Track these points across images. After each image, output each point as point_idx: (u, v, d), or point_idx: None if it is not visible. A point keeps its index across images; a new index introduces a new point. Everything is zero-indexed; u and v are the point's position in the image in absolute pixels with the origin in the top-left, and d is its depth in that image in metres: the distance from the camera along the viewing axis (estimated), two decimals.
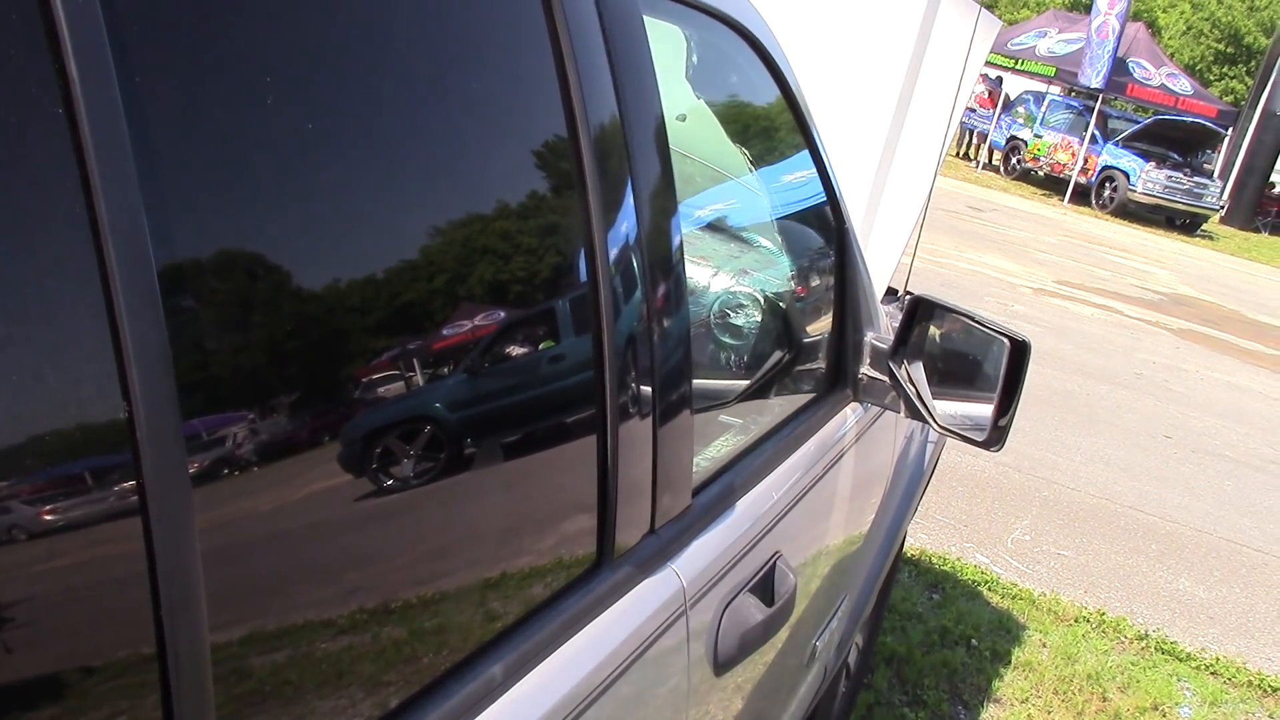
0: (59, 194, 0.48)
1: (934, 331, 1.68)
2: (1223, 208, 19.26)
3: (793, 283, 1.84)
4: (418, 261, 0.73)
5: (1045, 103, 19.31)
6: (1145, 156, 17.33)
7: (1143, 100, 19.47)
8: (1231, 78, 28.61)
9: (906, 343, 1.66)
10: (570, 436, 0.94)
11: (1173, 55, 25.39)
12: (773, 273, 1.83)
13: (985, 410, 1.62)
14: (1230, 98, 26.04)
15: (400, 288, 0.71)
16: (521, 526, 0.89)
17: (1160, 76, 18.76)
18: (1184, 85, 19.03)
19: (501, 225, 0.83)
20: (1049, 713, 3.05)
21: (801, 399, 1.67)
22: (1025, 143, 19.00)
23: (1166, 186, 17.12)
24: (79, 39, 0.48)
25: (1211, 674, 3.46)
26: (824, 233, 1.75)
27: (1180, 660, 3.49)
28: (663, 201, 1.05)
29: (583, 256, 0.92)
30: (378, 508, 0.71)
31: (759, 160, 1.86)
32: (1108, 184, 17.67)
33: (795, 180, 1.73)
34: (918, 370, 1.65)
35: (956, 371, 1.69)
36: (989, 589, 3.66)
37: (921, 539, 3.91)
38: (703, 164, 1.94)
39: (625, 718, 0.99)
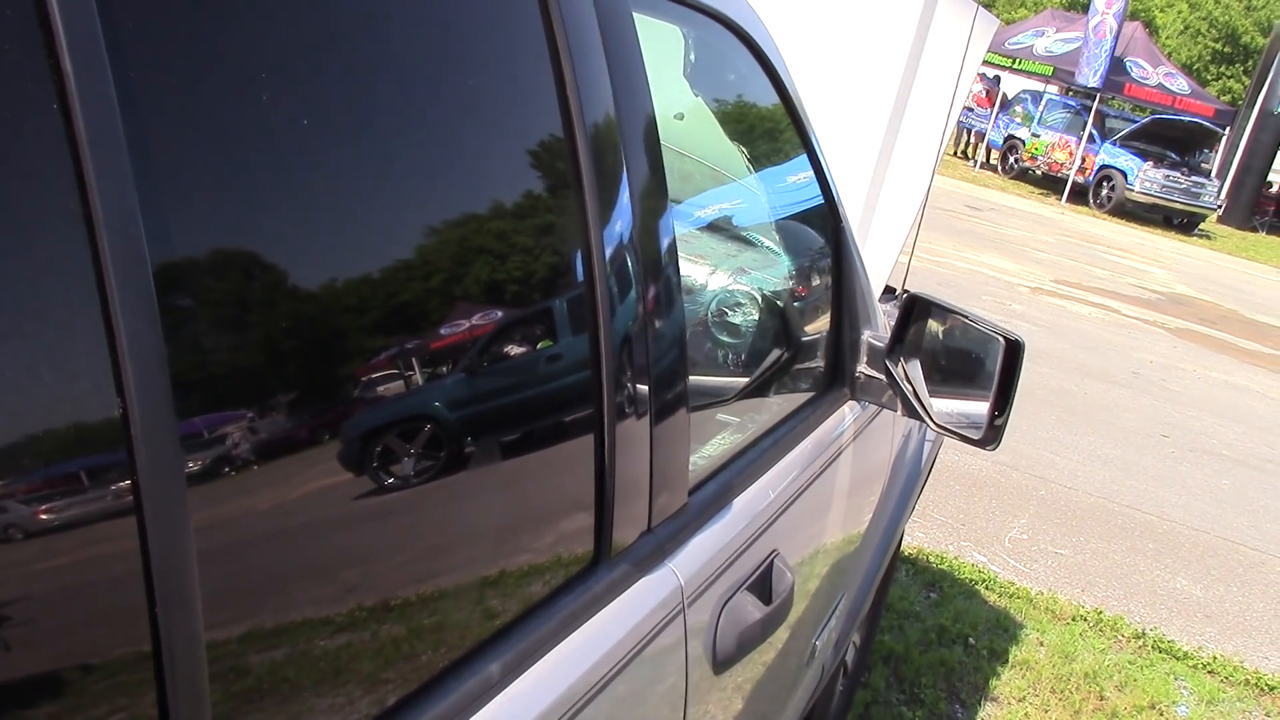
0: (54, 191, 0.48)
1: (931, 330, 1.68)
2: (1220, 207, 19.28)
3: (790, 281, 1.84)
4: (413, 259, 0.73)
5: (1043, 102, 19.33)
6: (1143, 156, 17.35)
7: (1140, 99, 19.49)
8: (1229, 77, 28.65)
9: (903, 341, 1.66)
10: (567, 435, 0.94)
11: (1170, 54, 25.42)
12: (770, 271, 1.83)
13: (981, 409, 1.62)
14: (1227, 97, 26.07)
15: (396, 286, 0.71)
16: (518, 525, 0.89)
17: (1158, 76, 18.78)
18: (1181, 84, 19.05)
19: (497, 224, 0.83)
20: (1046, 711, 3.05)
21: (799, 397, 1.67)
22: (1023, 142, 19.02)
23: (1164, 186, 17.13)
24: (74, 34, 0.48)
25: (1208, 672, 3.46)
26: (821, 231, 1.75)
27: (1177, 659, 3.49)
28: (658, 200, 1.05)
29: (579, 255, 0.92)
30: (374, 506, 0.71)
31: (756, 159, 1.86)
32: (1105, 183, 17.69)
33: (792, 179, 1.73)
34: (914, 369, 1.65)
35: (953, 370, 1.69)
36: (986, 588, 3.66)
37: (919, 537, 3.91)
38: (700, 162, 1.94)
39: (623, 716, 0.99)
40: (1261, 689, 3.45)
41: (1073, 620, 3.58)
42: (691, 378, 1.13)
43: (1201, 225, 18.59)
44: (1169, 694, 3.26)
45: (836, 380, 1.72)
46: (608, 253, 0.94)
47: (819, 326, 1.73)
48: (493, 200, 0.83)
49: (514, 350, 0.85)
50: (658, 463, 1.05)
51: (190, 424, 0.55)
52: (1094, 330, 8.64)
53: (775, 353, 1.72)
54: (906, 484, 2.28)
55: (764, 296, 1.76)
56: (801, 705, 1.78)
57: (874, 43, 2.95)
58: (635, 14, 1.02)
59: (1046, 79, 19.51)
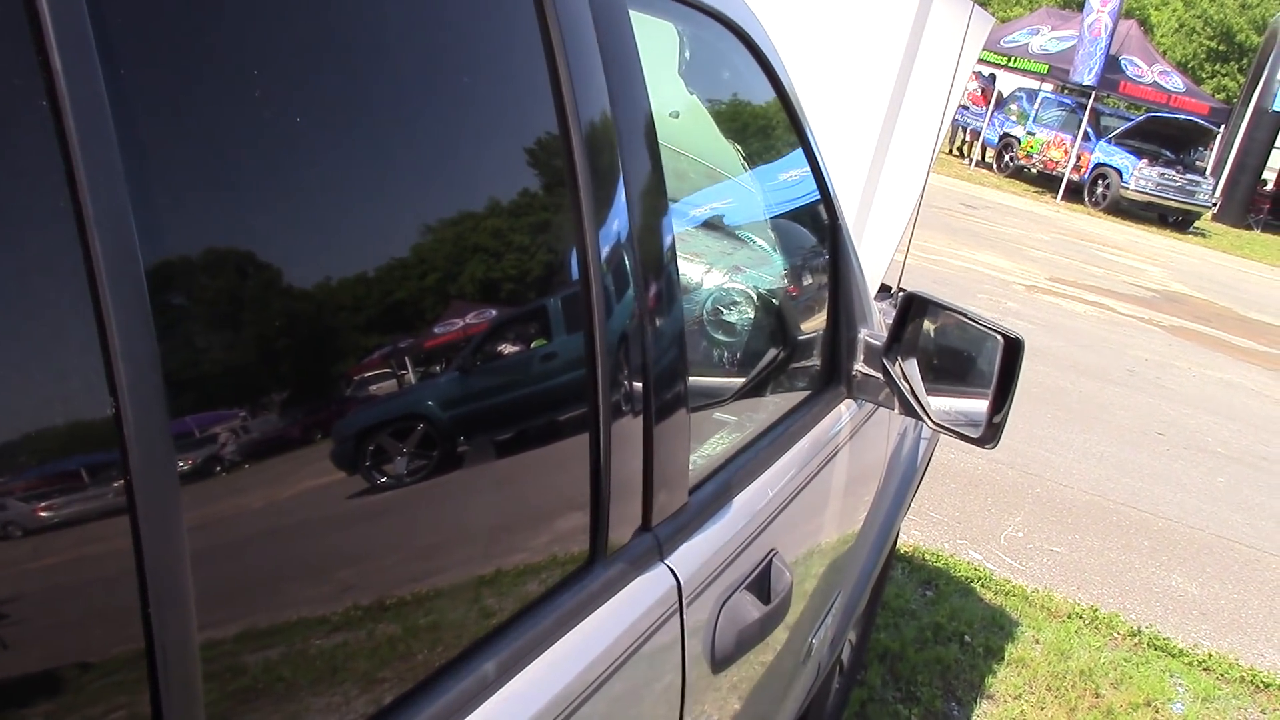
0: (44, 189, 0.48)
1: (928, 328, 1.68)
2: (1215, 205, 19.32)
3: (786, 280, 1.84)
4: (408, 258, 0.72)
5: (1038, 100, 19.35)
6: (1138, 154, 17.38)
7: (1135, 98, 19.52)
8: (1224, 75, 28.69)
9: (900, 339, 1.65)
10: (562, 434, 0.94)
11: (1165, 53, 25.46)
12: (766, 270, 1.83)
13: (979, 407, 1.61)
14: (1222, 95, 26.10)
15: (391, 284, 0.70)
16: (513, 524, 0.89)
17: (1153, 74, 18.80)
18: (1176, 83, 19.08)
19: (493, 222, 0.82)
20: (1042, 709, 3.05)
21: (796, 396, 1.67)
22: (1018, 140, 19.04)
23: (1159, 184, 17.16)
24: (63, 31, 0.47)
25: (1204, 670, 3.47)
26: (817, 230, 1.75)
27: (1173, 656, 3.50)
28: (654, 198, 1.05)
29: (575, 253, 0.91)
30: (369, 505, 0.71)
31: (752, 157, 1.86)
32: (1100, 181, 17.71)
33: (789, 177, 1.73)
34: (911, 367, 1.65)
35: (950, 368, 1.68)
36: (982, 585, 3.67)
37: (915, 536, 3.91)
38: (696, 160, 1.94)
39: (620, 715, 0.99)
40: (1257, 686, 3.45)
41: (1068, 618, 3.59)
42: (689, 377, 1.13)
43: (1196, 223, 18.62)
44: (1164, 691, 3.26)
45: (833, 379, 1.72)
46: (604, 251, 0.94)
47: (815, 325, 1.73)
48: (487, 198, 0.82)
49: (509, 349, 0.85)
50: (658, 461, 1.04)
51: (183, 423, 0.55)
52: (1089, 328, 8.65)
53: (772, 351, 1.71)
54: (902, 482, 2.28)
55: (760, 295, 1.75)
56: (797, 704, 1.78)
57: (870, 40, 2.95)
58: (630, 11, 1.02)
59: (1042, 77, 19.53)
